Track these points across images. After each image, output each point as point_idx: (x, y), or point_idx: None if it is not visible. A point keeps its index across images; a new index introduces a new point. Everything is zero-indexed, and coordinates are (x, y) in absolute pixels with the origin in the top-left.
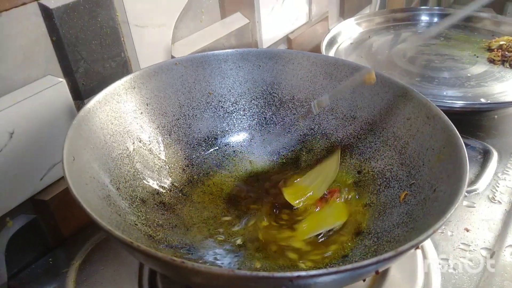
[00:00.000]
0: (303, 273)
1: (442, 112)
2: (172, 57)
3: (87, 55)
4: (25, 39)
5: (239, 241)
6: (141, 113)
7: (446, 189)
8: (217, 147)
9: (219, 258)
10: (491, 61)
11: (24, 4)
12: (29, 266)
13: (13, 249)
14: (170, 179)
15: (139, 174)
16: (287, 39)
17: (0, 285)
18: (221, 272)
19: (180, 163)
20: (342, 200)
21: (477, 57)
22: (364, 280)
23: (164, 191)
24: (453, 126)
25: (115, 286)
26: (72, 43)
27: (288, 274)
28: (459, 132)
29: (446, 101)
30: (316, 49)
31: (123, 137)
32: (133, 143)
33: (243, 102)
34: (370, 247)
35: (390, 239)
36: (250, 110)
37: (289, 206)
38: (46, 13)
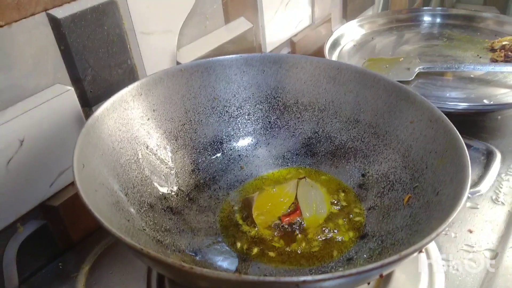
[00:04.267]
0: (309, 278)
1: (445, 116)
2: (178, 63)
3: (95, 63)
4: (34, 48)
5: (246, 245)
6: (148, 119)
7: (449, 192)
8: (222, 152)
9: (226, 262)
10: (494, 61)
11: (33, 14)
12: (39, 271)
13: (24, 254)
14: (177, 184)
15: (147, 180)
16: (291, 42)
17: None
18: (228, 277)
19: (186, 168)
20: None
21: (480, 57)
22: (368, 283)
23: (171, 196)
24: (455, 129)
25: None
26: (80, 51)
27: (295, 278)
28: (462, 134)
29: (449, 102)
30: (320, 51)
31: (131, 143)
32: (141, 149)
33: (248, 107)
34: (374, 250)
35: (394, 242)
36: (255, 115)
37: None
38: (55, 23)
